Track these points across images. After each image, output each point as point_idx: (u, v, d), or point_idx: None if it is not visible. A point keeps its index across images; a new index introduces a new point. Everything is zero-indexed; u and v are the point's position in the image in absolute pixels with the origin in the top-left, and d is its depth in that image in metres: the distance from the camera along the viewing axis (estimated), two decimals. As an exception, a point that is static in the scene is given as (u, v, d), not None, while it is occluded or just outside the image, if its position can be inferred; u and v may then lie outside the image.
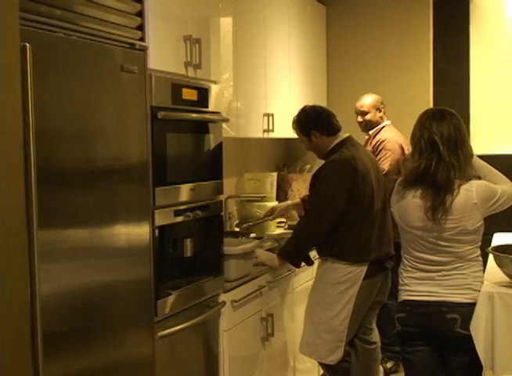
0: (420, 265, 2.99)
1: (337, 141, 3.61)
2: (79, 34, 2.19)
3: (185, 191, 2.86)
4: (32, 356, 1.91)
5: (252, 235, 4.37)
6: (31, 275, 1.91)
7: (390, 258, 3.68)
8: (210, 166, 3.09)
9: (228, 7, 3.75)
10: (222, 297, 3.19)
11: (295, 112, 4.90)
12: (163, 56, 2.71)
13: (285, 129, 4.70)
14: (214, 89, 3.08)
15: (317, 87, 5.40)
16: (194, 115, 2.89)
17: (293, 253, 3.59)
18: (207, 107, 3.02)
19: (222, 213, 3.21)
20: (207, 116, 3.02)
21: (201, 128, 3.02)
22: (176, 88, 2.76)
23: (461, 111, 6.41)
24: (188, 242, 2.91)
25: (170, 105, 2.72)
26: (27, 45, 1.89)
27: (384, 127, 4.74)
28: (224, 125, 3.39)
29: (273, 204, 4.85)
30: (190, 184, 2.89)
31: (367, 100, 4.76)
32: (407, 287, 3.02)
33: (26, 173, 1.88)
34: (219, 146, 3.15)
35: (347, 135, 3.66)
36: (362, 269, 3.52)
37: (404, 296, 3.03)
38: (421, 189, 2.93)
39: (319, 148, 3.66)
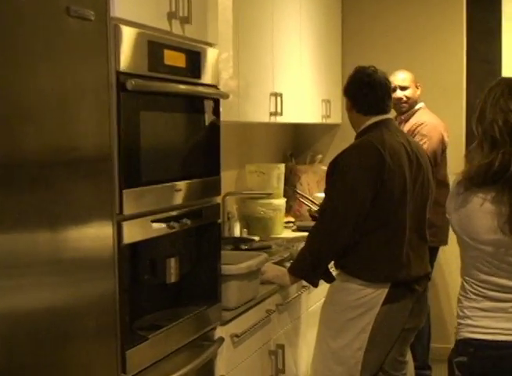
0: (488, 291, 2.21)
1: (370, 122, 2.81)
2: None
3: (167, 193, 2.06)
4: None
5: (255, 239, 3.59)
6: None
7: (424, 278, 2.90)
8: (203, 158, 2.29)
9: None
10: (219, 331, 2.40)
11: (307, 91, 4.18)
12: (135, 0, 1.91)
13: (296, 112, 3.95)
14: (209, 54, 2.28)
15: (331, 63, 4.60)
16: (181, 87, 2.08)
17: (308, 269, 2.80)
18: (199, 78, 2.22)
19: (220, 220, 2.41)
20: (200, 89, 2.22)
21: (191, 105, 2.22)
22: (155, 48, 1.96)
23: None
24: (172, 262, 2.12)
25: (145, 71, 1.92)
26: None
27: (418, 109, 3.97)
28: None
29: (280, 201, 4.08)
30: (175, 183, 2.09)
31: (406, 74, 4.00)
32: (470, 321, 2.24)
33: None
34: (216, 130, 2.35)
35: (386, 116, 2.86)
36: (381, 292, 2.73)
37: (465, 333, 2.25)
38: (494, 192, 2.14)
39: (351, 121, 2.96)
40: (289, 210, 4.43)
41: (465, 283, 2.27)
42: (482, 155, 2.17)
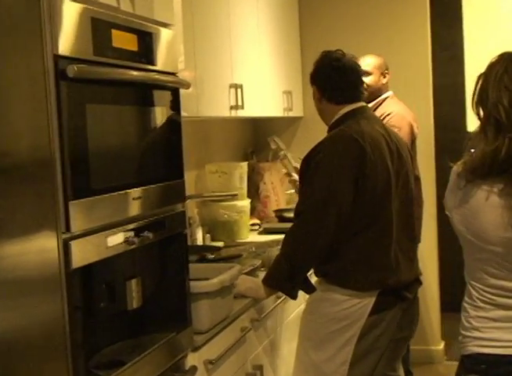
0: (498, 298, 1.93)
1: (343, 111, 2.52)
2: None
3: (123, 202, 1.71)
4: None
5: (221, 246, 3.27)
6: None
7: (415, 283, 2.62)
8: (163, 159, 1.95)
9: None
10: (191, 359, 2.06)
11: (268, 82, 3.86)
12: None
13: (257, 105, 3.64)
14: (165, 36, 1.94)
15: (290, 50, 4.32)
16: (135, 74, 1.73)
17: (285, 279, 2.48)
18: (155, 64, 1.88)
19: (186, 230, 2.08)
20: (157, 77, 1.87)
21: (146, 96, 1.87)
22: (101, 27, 1.61)
23: (454, 81, 5.53)
24: (133, 285, 1.78)
25: (90, 55, 1.57)
26: None
27: (386, 98, 3.68)
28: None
29: (244, 202, 3.77)
30: (132, 190, 1.75)
31: (371, 59, 3.67)
32: (478, 334, 1.95)
33: None
34: (176, 126, 2.01)
35: (361, 104, 2.57)
36: (368, 302, 2.44)
37: (474, 347, 1.96)
38: (502, 183, 1.86)
39: (321, 113, 2.65)
40: (253, 211, 4.12)
41: (471, 289, 1.99)
42: (486, 142, 1.88)
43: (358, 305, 2.44)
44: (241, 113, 3.36)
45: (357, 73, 2.59)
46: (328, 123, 2.61)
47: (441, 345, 4.55)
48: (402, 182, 2.54)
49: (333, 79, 2.55)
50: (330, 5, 4.45)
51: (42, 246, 1.41)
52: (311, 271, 2.57)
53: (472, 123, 5.75)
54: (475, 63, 5.44)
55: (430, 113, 4.44)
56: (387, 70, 3.73)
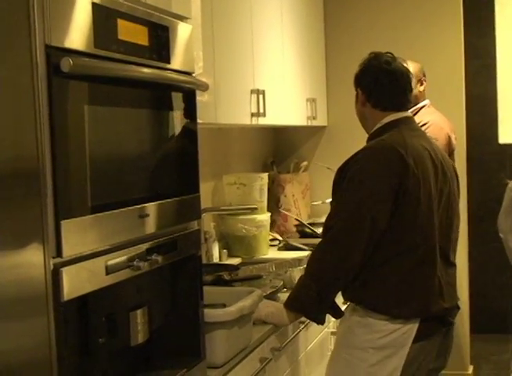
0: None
1: (387, 120, 2.28)
2: None
3: (128, 221, 1.47)
4: None
5: (238, 264, 3.02)
6: None
7: (455, 308, 2.37)
8: (175, 170, 1.71)
9: None
10: (204, 398, 1.82)
11: (291, 88, 3.62)
12: None
13: (280, 113, 3.40)
14: (181, 31, 1.70)
15: (316, 56, 4.09)
16: (144, 71, 1.49)
17: (312, 303, 2.23)
18: (168, 62, 1.64)
19: (200, 252, 1.83)
20: (171, 76, 1.63)
21: (157, 99, 1.63)
22: (104, 15, 1.38)
23: (486, 90, 5.25)
24: (138, 317, 1.53)
25: (90, 48, 1.34)
26: None
27: (423, 107, 3.43)
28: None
29: (264, 216, 3.52)
30: (139, 206, 1.51)
31: (409, 65, 3.41)
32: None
33: None
34: (191, 133, 1.77)
35: (406, 114, 2.35)
36: (412, 327, 2.19)
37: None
38: None
39: (363, 119, 2.40)
40: (272, 225, 3.87)
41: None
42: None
43: (401, 330, 2.18)
44: (263, 121, 3.12)
45: (407, 79, 2.37)
46: (369, 131, 2.38)
47: (470, 370, 4.29)
48: (445, 203, 2.29)
49: (383, 83, 2.33)
50: (358, 10, 4.22)
51: (26, 273, 1.17)
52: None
53: (504, 134, 5.41)
54: (508, 72, 5.19)
55: (462, 124, 4.18)
56: (424, 76, 3.47)
